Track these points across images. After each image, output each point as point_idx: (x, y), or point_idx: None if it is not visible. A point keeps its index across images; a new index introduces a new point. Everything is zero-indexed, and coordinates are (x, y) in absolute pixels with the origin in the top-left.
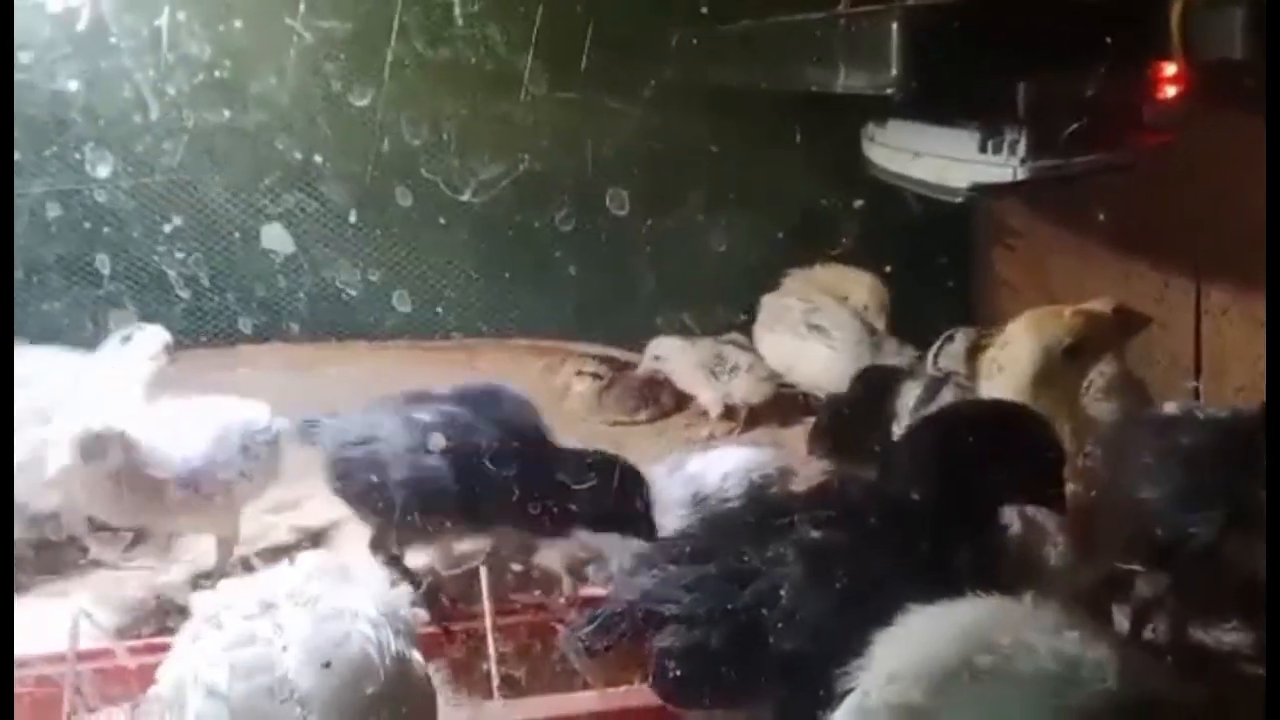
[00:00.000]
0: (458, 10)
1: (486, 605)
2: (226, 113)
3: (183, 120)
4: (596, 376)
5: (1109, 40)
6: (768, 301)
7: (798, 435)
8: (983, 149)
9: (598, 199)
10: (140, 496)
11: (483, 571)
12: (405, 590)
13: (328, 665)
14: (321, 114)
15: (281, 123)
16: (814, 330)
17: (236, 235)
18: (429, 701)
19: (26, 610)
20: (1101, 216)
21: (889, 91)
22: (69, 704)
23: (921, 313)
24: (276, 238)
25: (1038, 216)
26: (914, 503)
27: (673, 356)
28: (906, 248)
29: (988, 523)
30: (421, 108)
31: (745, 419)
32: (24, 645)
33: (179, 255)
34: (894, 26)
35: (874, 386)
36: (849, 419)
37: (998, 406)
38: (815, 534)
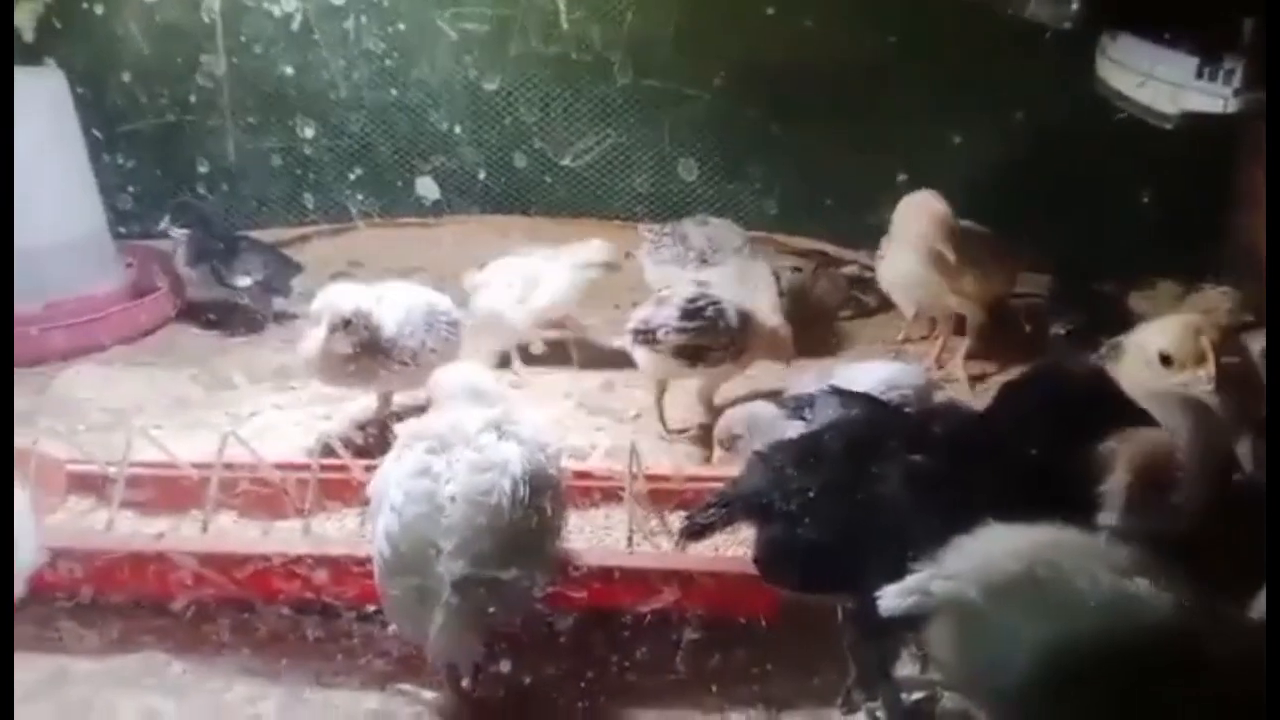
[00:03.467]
0: (564, 15)
1: (631, 472)
2: (394, 92)
3: (362, 98)
4: (796, 270)
5: None
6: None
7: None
8: (1199, 75)
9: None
10: (366, 371)
11: (632, 443)
12: (556, 451)
13: (459, 495)
14: (461, 95)
15: (432, 101)
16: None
17: (399, 184)
18: (539, 544)
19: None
20: None
21: (1066, 26)
22: (309, 503)
23: (1175, 235)
24: (427, 187)
25: None
26: (1014, 442)
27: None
28: (1157, 166)
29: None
30: (536, 91)
31: (940, 329)
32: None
33: (359, 197)
34: None
35: None
36: None
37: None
38: (922, 460)
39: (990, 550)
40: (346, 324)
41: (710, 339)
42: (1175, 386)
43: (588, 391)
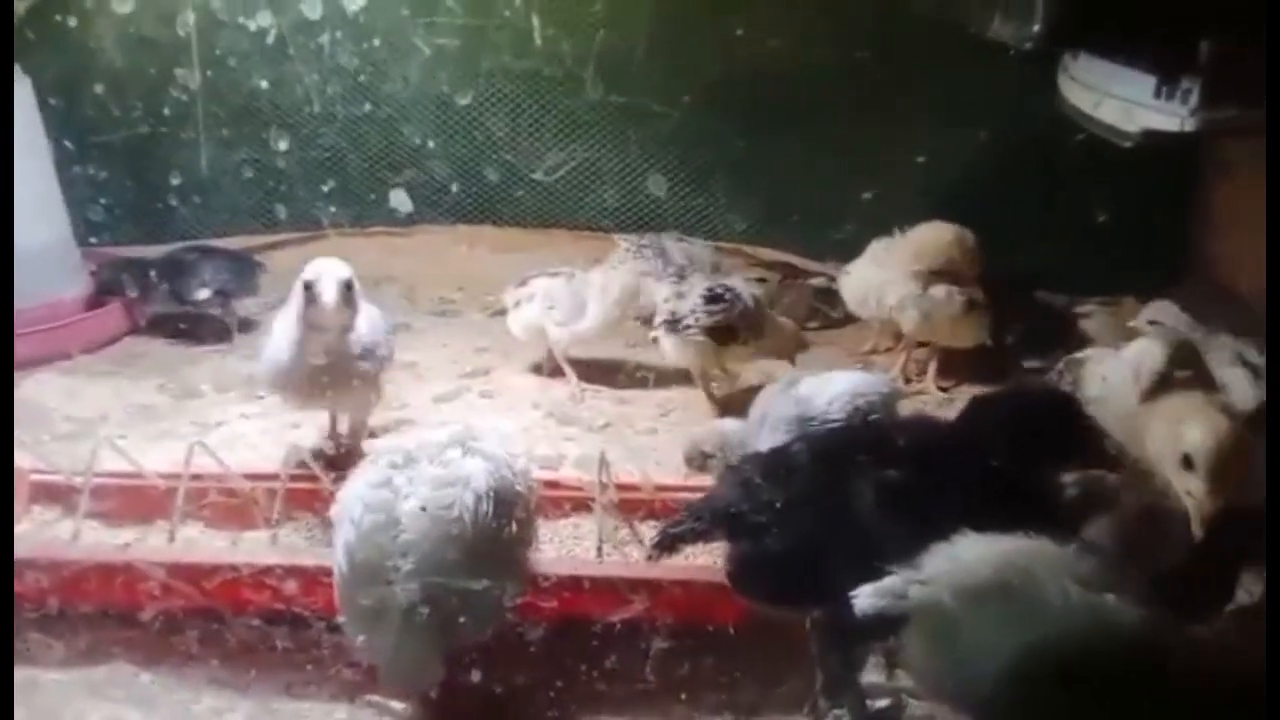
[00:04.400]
0: (537, 32)
1: (601, 482)
2: (367, 106)
3: (335, 112)
4: (762, 281)
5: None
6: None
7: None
8: (1157, 94)
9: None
10: (337, 384)
11: (601, 452)
12: (525, 467)
13: (423, 509)
14: (433, 110)
15: (404, 116)
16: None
17: (372, 197)
18: (504, 558)
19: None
20: None
21: (1028, 46)
22: (277, 511)
23: (1143, 252)
24: (400, 200)
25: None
26: (983, 456)
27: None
28: (1121, 183)
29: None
30: (507, 106)
31: (905, 340)
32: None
33: (332, 209)
34: None
35: None
36: None
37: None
38: (891, 473)
39: (965, 557)
40: (349, 287)
41: (735, 319)
42: (1182, 489)
43: (557, 401)
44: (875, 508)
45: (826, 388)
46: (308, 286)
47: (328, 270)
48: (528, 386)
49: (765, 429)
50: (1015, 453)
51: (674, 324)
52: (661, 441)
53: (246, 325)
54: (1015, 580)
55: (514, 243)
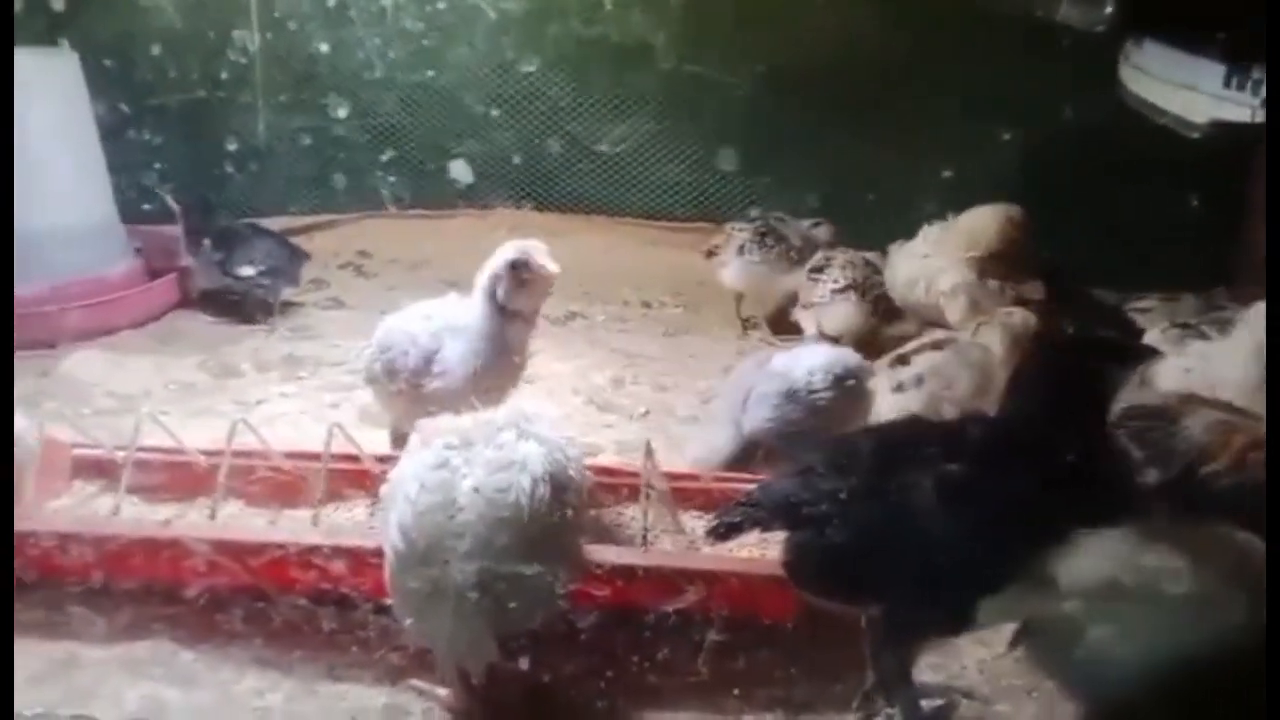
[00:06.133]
0: None
1: (646, 467)
2: (429, 73)
3: (397, 78)
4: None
5: None
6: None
7: None
8: (1227, 84)
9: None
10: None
11: (647, 441)
12: (578, 453)
13: (476, 490)
14: (498, 77)
15: (468, 83)
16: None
17: (431, 167)
18: (558, 544)
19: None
20: None
21: (1099, 29)
22: (321, 492)
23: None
24: (461, 170)
25: None
26: (1037, 435)
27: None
28: (1177, 175)
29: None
30: (573, 75)
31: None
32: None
33: (390, 179)
34: None
35: None
36: None
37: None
38: (950, 468)
39: (1083, 563)
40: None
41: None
42: None
43: (597, 388)
44: (938, 504)
45: (801, 361)
46: (515, 266)
47: (531, 246)
48: (567, 372)
49: (752, 405)
50: (1067, 402)
51: (848, 290)
52: (703, 430)
53: (289, 307)
54: (1125, 576)
55: (554, 227)
